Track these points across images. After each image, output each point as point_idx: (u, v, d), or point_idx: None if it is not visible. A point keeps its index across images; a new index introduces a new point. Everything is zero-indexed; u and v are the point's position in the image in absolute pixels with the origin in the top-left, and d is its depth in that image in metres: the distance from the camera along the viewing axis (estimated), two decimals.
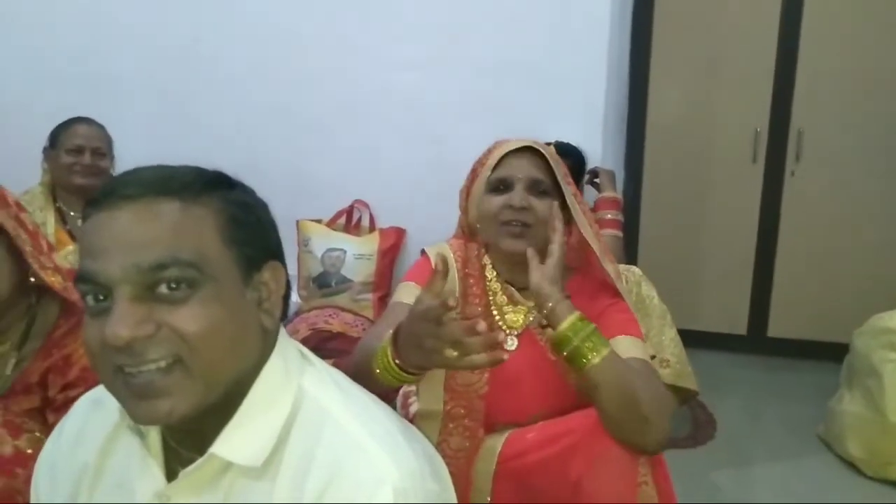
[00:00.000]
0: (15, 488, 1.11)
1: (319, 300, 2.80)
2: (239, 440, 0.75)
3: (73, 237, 2.28)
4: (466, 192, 1.41)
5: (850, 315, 2.68)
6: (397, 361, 1.04)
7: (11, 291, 1.19)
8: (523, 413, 1.31)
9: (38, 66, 3.12)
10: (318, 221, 2.89)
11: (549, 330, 1.22)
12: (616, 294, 1.35)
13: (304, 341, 2.09)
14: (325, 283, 2.81)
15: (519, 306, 1.37)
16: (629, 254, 2.88)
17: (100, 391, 0.86)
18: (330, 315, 2.68)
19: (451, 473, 0.86)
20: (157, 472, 0.78)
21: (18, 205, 1.24)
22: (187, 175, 0.76)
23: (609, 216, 2.40)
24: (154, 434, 0.80)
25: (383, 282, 2.82)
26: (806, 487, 2.27)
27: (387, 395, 1.03)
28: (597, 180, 2.52)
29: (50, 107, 2.52)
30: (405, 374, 1.06)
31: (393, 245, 2.84)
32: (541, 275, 1.23)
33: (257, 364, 0.78)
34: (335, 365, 0.88)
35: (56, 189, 2.33)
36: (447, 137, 2.72)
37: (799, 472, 2.37)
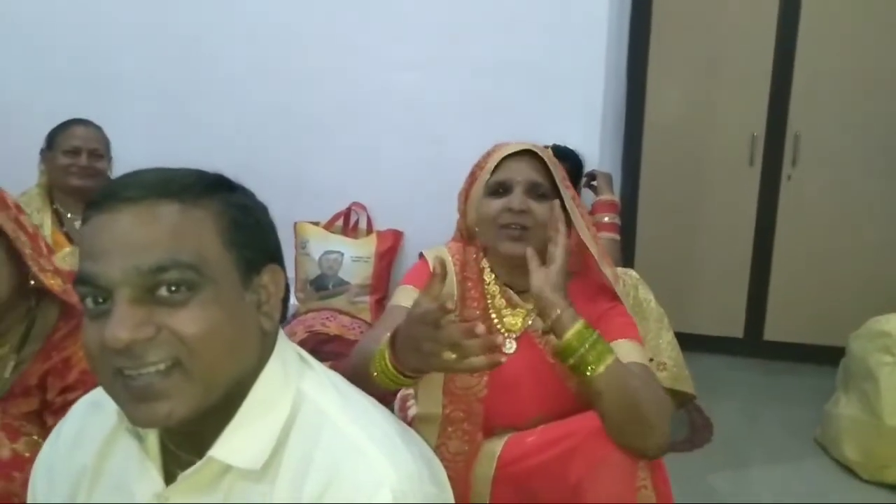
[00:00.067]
0: (12, 492, 1.11)
1: (317, 302, 2.79)
2: (238, 443, 0.75)
3: (70, 239, 2.27)
4: (465, 195, 1.41)
5: (846, 318, 2.69)
6: (395, 364, 1.04)
7: (11, 294, 1.19)
8: (522, 416, 1.31)
9: (37, 66, 3.12)
10: (316, 224, 2.89)
11: (552, 337, 1.21)
12: (615, 297, 1.35)
13: (302, 344, 2.08)
14: (322, 285, 2.80)
15: (517, 309, 1.37)
16: (626, 257, 2.89)
17: (98, 394, 0.86)
18: (327, 317, 2.68)
19: (450, 477, 0.86)
20: (155, 474, 0.78)
21: (18, 207, 1.24)
22: (188, 177, 0.76)
23: (606, 219, 2.40)
24: (152, 437, 0.80)
25: (381, 284, 2.82)
26: (802, 490, 2.27)
27: (384, 398, 1.03)
28: (594, 183, 2.53)
29: (49, 107, 2.52)
30: (402, 378, 1.06)
31: (390, 248, 2.84)
32: (543, 281, 1.22)
33: (256, 367, 0.78)
34: (332, 367, 0.88)
35: (53, 191, 2.33)
36: (445, 139, 2.73)
37: (795, 475, 2.37)
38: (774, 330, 3.34)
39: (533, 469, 1.23)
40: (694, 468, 2.37)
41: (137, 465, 0.79)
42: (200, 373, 0.71)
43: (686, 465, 2.33)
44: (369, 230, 2.91)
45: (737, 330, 3.38)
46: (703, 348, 3.18)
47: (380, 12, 2.80)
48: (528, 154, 1.35)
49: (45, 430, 1.15)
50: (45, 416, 1.20)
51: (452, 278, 1.36)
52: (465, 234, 1.43)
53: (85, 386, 1.13)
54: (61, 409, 1.08)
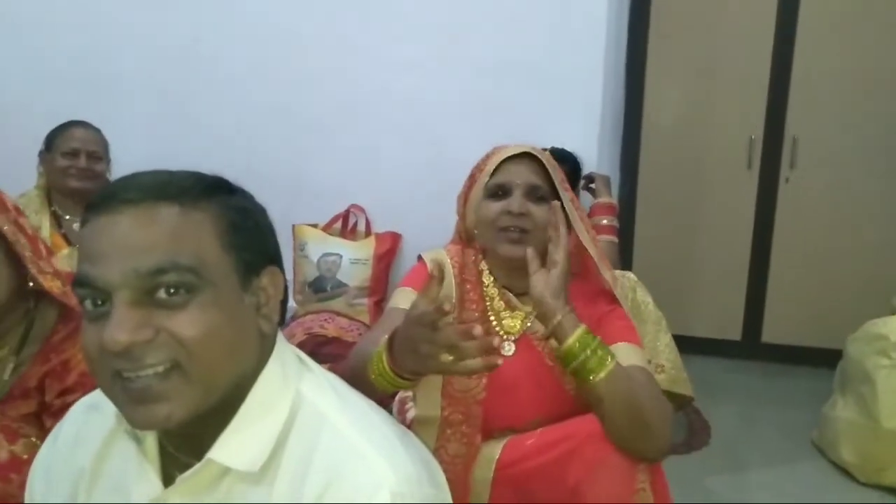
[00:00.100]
0: (9, 493, 1.11)
1: (315, 305, 2.79)
2: (236, 445, 0.75)
3: (68, 240, 2.27)
4: (464, 197, 1.41)
5: (843, 321, 2.70)
6: (392, 367, 1.04)
7: (10, 296, 1.19)
8: (521, 418, 1.31)
9: (37, 66, 3.12)
10: (315, 226, 2.89)
11: (552, 341, 1.21)
12: (614, 300, 1.35)
13: (300, 346, 2.08)
14: (320, 287, 2.80)
15: (516, 311, 1.37)
16: (624, 259, 2.89)
17: (96, 396, 0.86)
18: (325, 319, 2.68)
19: (449, 480, 0.86)
20: (153, 477, 0.78)
21: (17, 209, 1.24)
22: (187, 180, 0.76)
23: (604, 222, 2.40)
24: (151, 439, 0.80)
25: (379, 286, 2.82)
26: (800, 493, 2.27)
27: (382, 400, 1.03)
28: (592, 186, 2.53)
29: (48, 108, 2.52)
30: (400, 380, 1.06)
31: (389, 250, 2.84)
32: (543, 286, 1.21)
33: (255, 369, 0.78)
34: (331, 370, 0.88)
35: (51, 192, 2.33)
36: (444, 140, 2.73)
37: (793, 477, 2.37)
38: (772, 332, 3.34)
39: (532, 471, 1.23)
40: (692, 470, 2.37)
41: (136, 467, 0.79)
42: (199, 375, 0.71)
43: (684, 468, 2.33)
44: (368, 232, 2.91)
45: (735, 332, 3.39)
46: (700, 351, 3.18)
47: (378, 14, 2.80)
48: (527, 157, 1.35)
49: (43, 432, 1.15)
50: (44, 418, 1.20)
51: (451, 280, 1.36)
52: (464, 237, 1.44)
53: (84, 388, 1.13)
54: (60, 412, 1.08)
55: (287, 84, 2.92)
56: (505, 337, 1.35)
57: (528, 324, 1.35)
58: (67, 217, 2.31)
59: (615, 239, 2.42)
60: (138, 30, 3.01)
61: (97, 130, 2.35)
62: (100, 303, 0.71)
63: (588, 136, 2.67)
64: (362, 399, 0.84)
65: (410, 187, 2.81)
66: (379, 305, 2.78)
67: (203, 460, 0.75)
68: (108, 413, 0.81)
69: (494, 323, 1.36)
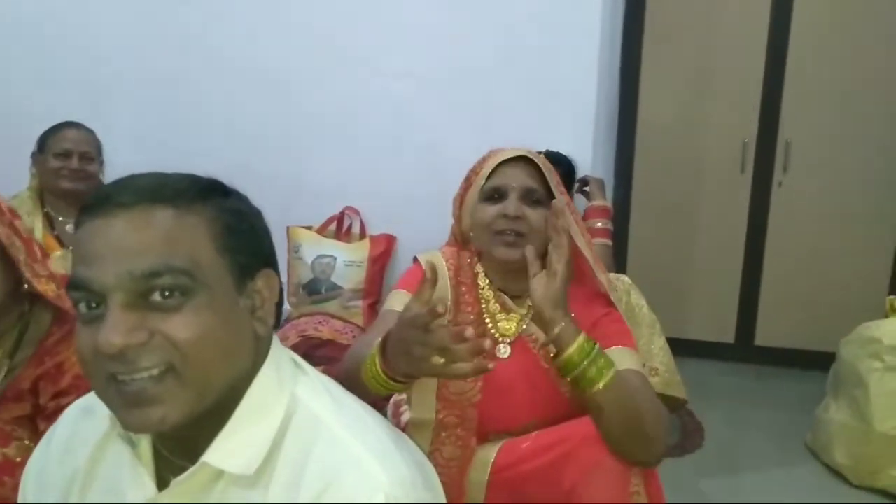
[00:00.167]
0: (3, 496, 1.10)
1: (309, 307, 2.79)
2: (231, 448, 0.75)
3: (61, 242, 2.26)
4: (460, 200, 1.41)
5: (836, 324, 2.71)
6: (385, 369, 1.04)
7: (4, 299, 1.19)
8: (516, 421, 1.31)
9: (31, 68, 3.11)
10: (309, 228, 2.89)
11: (551, 346, 1.21)
12: (609, 303, 1.36)
13: (294, 348, 2.08)
14: (315, 289, 2.80)
15: (512, 314, 1.37)
16: (618, 262, 2.90)
17: (90, 399, 0.86)
18: (320, 322, 2.67)
19: (444, 483, 0.86)
20: (147, 480, 0.78)
21: (12, 211, 1.23)
22: (182, 182, 0.76)
23: (599, 225, 2.41)
24: (145, 442, 0.80)
25: (373, 289, 2.81)
26: (793, 495, 2.28)
27: (377, 403, 1.03)
28: (586, 189, 2.53)
29: (42, 110, 2.51)
30: (393, 383, 1.06)
31: (383, 252, 2.84)
32: (543, 297, 1.20)
33: (250, 372, 0.78)
34: (325, 372, 0.88)
35: (44, 194, 2.32)
36: (439, 145, 2.73)
37: (786, 480, 2.38)
38: (765, 335, 3.36)
39: (527, 475, 1.23)
40: (686, 473, 2.37)
41: (130, 470, 0.79)
42: (194, 378, 0.71)
43: (678, 470, 2.34)
44: (362, 234, 2.90)
45: (728, 335, 3.40)
46: (694, 353, 3.19)
47: (373, 19, 2.80)
48: (523, 160, 1.35)
49: (36, 435, 1.15)
50: (38, 420, 1.20)
51: (446, 283, 1.36)
52: (460, 239, 1.44)
53: (78, 391, 1.12)
54: (54, 414, 1.07)
55: (281, 89, 2.92)
56: (500, 339, 1.35)
57: (524, 326, 1.35)
58: (60, 218, 2.30)
59: (609, 242, 2.42)
60: (133, 34, 3.00)
61: (90, 131, 2.34)
62: (94, 305, 0.71)
63: (582, 140, 2.67)
64: (357, 402, 0.84)
65: (405, 189, 2.81)
66: (373, 308, 2.77)
67: (197, 464, 0.74)
68: (101, 416, 0.80)
69: (490, 325, 1.36)
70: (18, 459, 1.12)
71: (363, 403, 0.84)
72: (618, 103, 3.22)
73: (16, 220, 1.22)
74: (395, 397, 1.58)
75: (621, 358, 1.23)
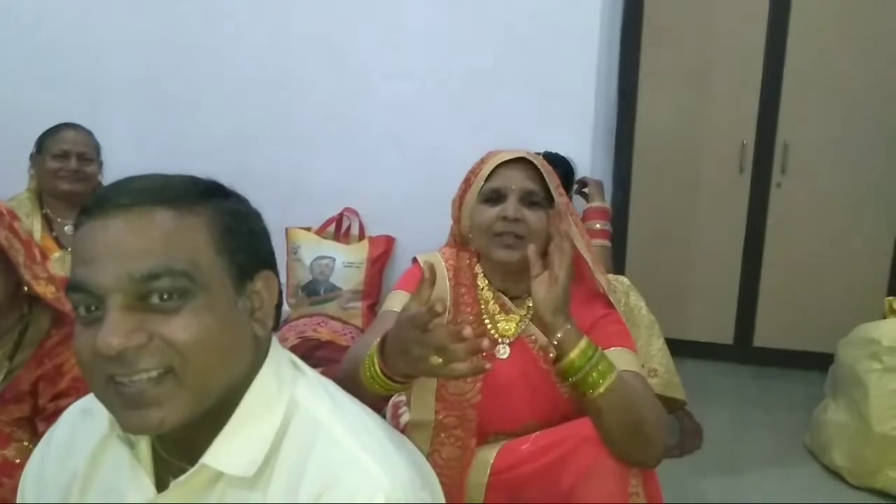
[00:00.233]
0: (2, 497, 1.10)
1: (308, 308, 2.79)
2: (231, 450, 0.75)
3: (59, 244, 2.26)
4: (459, 201, 1.41)
5: (835, 325, 2.71)
6: (384, 369, 1.04)
7: (4, 301, 1.19)
8: (516, 422, 1.31)
9: (29, 69, 3.10)
10: (308, 229, 2.89)
11: (552, 347, 1.20)
12: (609, 304, 1.36)
13: (293, 349, 2.07)
14: (313, 291, 2.80)
15: (511, 315, 1.37)
16: (617, 263, 2.90)
17: (89, 400, 0.86)
18: (319, 323, 2.67)
19: (443, 484, 0.86)
20: (147, 482, 0.78)
21: (11, 213, 1.23)
22: (181, 184, 0.76)
23: (598, 226, 2.41)
24: (144, 444, 0.80)
25: (372, 290, 2.81)
26: (792, 496, 2.29)
27: (376, 404, 1.03)
28: (585, 190, 2.53)
29: (40, 111, 2.50)
30: (391, 383, 1.06)
31: (382, 253, 2.83)
32: (544, 304, 1.19)
33: (249, 374, 0.78)
34: (323, 373, 0.88)
35: (43, 195, 2.31)
36: (438, 146, 2.73)
37: (785, 480, 2.38)
38: (764, 336, 3.36)
39: (526, 476, 1.23)
40: (684, 474, 2.38)
41: (129, 472, 0.79)
42: (193, 380, 0.71)
43: (677, 471, 2.34)
44: (361, 236, 2.90)
45: (727, 336, 3.40)
46: (693, 354, 3.19)
47: (373, 20, 2.80)
48: (522, 161, 1.35)
49: (36, 437, 1.15)
50: (37, 421, 1.20)
51: (445, 284, 1.36)
52: (459, 240, 1.44)
53: (77, 392, 1.12)
54: (53, 416, 1.07)
55: (280, 90, 2.92)
56: (500, 340, 1.35)
57: (523, 327, 1.35)
58: (59, 220, 2.30)
59: (608, 243, 2.42)
60: (131, 35, 3.00)
61: (88, 133, 2.34)
62: (93, 307, 0.71)
63: (581, 141, 2.67)
64: (356, 404, 0.84)
65: (404, 191, 2.81)
66: (372, 309, 2.77)
67: (197, 465, 0.74)
68: (100, 418, 0.80)
69: (489, 326, 1.36)
70: (18, 461, 1.12)
71: (362, 405, 0.84)
72: (616, 105, 3.22)
73: (15, 221, 1.22)
74: (394, 399, 1.58)
75: (620, 359, 1.23)
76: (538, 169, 1.35)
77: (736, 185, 3.27)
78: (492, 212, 1.32)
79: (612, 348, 1.25)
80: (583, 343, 1.17)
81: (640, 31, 3.21)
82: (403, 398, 1.53)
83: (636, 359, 1.29)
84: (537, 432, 1.26)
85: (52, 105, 2.64)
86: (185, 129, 2.99)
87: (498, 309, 1.37)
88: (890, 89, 3.07)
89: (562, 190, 1.37)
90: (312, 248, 2.83)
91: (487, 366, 0.93)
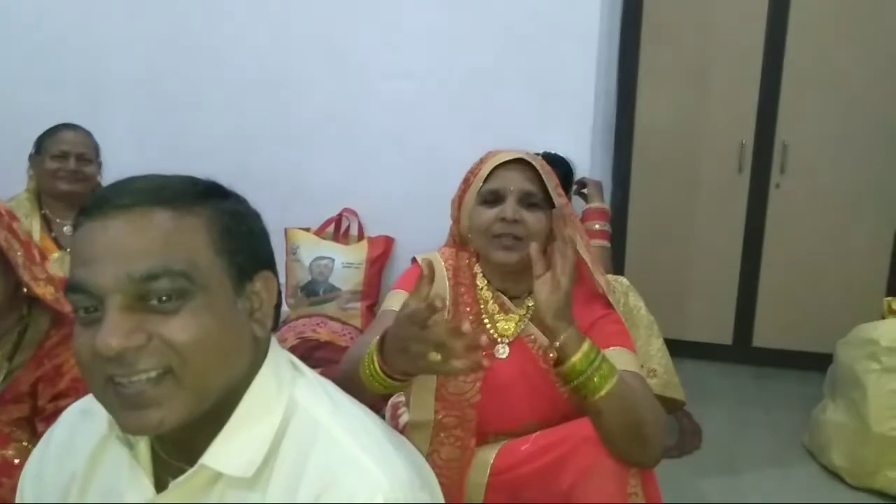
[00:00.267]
0: (1, 497, 1.10)
1: (307, 309, 2.78)
2: (230, 450, 0.75)
3: (58, 244, 2.26)
4: (458, 201, 1.41)
5: (833, 325, 2.71)
6: (383, 367, 1.05)
7: (3, 302, 1.19)
8: (515, 421, 1.31)
9: (29, 69, 3.10)
10: (307, 230, 2.89)
11: (553, 351, 1.19)
12: (608, 305, 1.36)
13: (292, 350, 2.08)
14: (312, 291, 2.80)
15: (510, 314, 1.37)
16: (616, 264, 2.90)
17: (88, 401, 0.86)
18: (318, 324, 2.67)
19: (442, 484, 0.86)
20: (146, 482, 0.78)
21: (11, 214, 1.23)
22: (181, 185, 0.76)
23: (597, 227, 2.41)
24: (143, 445, 0.80)
25: (371, 290, 2.81)
26: (791, 496, 2.29)
27: (374, 405, 1.03)
28: (584, 191, 2.53)
29: (40, 111, 2.50)
30: (391, 381, 1.06)
31: (381, 254, 2.83)
32: (546, 308, 1.18)
33: (248, 374, 0.78)
34: (322, 374, 0.88)
35: (42, 196, 2.31)
36: (437, 146, 2.73)
37: (784, 481, 2.39)
38: (763, 336, 3.36)
39: (526, 477, 1.23)
40: (683, 474, 2.38)
41: (128, 472, 0.79)
42: (192, 380, 0.71)
43: (676, 471, 2.34)
44: (360, 236, 2.90)
45: (726, 336, 3.40)
46: (692, 355, 3.19)
47: (373, 20, 2.80)
48: (521, 162, 1.35)
49: (35, 437, 1.15)
50: (36, 422, 1.20)
51: (445, 283, 1.36)
52: (458, 240, 1.44)
53: (76, 393, 1.12)
54: (52, 416, 1.07)
55: (279, 90, 2.92)
56: (499, 340, 1.35)
57: (523, 326, 1.35)
58: (58, 221, 2.30)
59: (607, 244, 2.42)
60: (131, 36, 3.00)
61: (87, 133, 2.34)
62: (92, 309, 0.71)
63: (580, 142, 2.67)
64: (355, 404, 0.84)
65: (404, 191, 2.81)
66: (371, 310, 2.77)
67: (196, 466, 0.74)
68: (100, 419, 0.80)
69: (489, 326, 1.36)
70: (17, 461, 1.12)
71: (362, 406, 0.84)
72: (615, 105, 3.22)
73: (14, 222, 1.22)
74: (393, 399, 1.58)
75: (619, 359, 1.23)
76: (537, 170, 1.35)
77: (735, 184, 3.27)
78: (490, 213, 1.32)
79: (612, 348, 1.25)
80: (585, 346, 1.16)
81: (640, 30, 3.21)
82: (402, 399, 1.53)
83: (635, 359, 1.29)
84: (537, 432, 1.26)
85: (51, 105, 2.64)
86: (185, 129, 2.98)
87: (497, 308, 1.37)
88: (889, 88, 3.07)
89: (561, 190, 1.37)
90: (311, 249, 2.83)
91: (486, 363, 0.93)
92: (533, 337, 1.34)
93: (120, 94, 3.04)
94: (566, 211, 1.24)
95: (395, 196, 2.83)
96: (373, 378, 1.07)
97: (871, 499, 2.28)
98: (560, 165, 2.49)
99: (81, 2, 3.03)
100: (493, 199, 1.33)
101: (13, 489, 0.92)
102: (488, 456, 1.28)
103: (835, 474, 2.38)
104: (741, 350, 3.37)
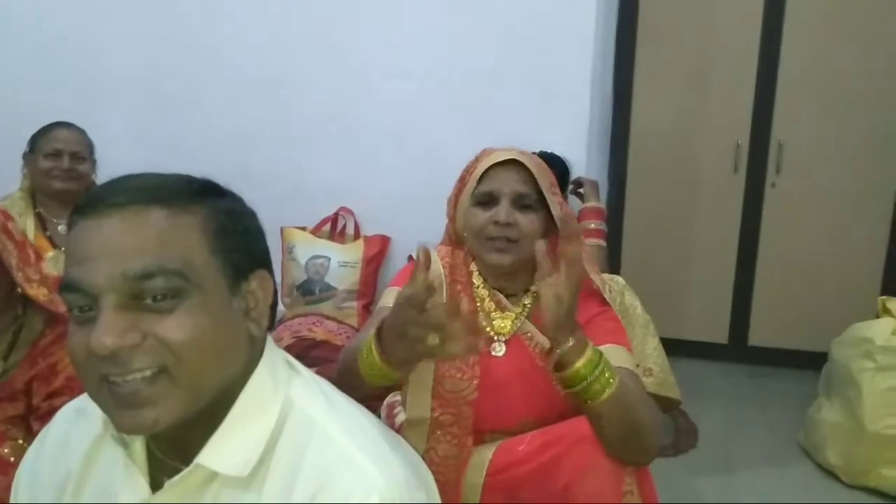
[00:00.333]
0: None
1: (303, 308, 2.78)
2: (225, 450, 0.74)
3: (53, 243, 2.25)
4: (454, 200, 1.41)
5: (829, 324, 2.72)
6: (381, 355, 1.05)
7: None
8: (512, 419, 1.31)
9: (25, 68, 3.09)
10: (303, 229, 2.88)
11: (555, 355, 1.18)
12: (604, 302, 1.36)
13: (288, 349, 2.07)
14: (308, 290, 2.79)
15: (507, 312, 1.37)
16: (612, 263, 2.90)
17: (83, 400, 0.85)
18: (314, 323, 2.67)
19: (439, 482, 0.86)
20: (141, 482, 0.78)
21: (5, 214, 1.23)
22: (176, 183, 0.76)
23: (593, 226, 2.41)
24: (138, 444, 0.79)
25: (368, 290, 2.81)
26: (786, 495, 2.29)
27: (370, 404, 1.03)
28: (581, 190, 2.54)
29: (36, 110, 2.49)
30: (389, 370, 1.06)
31: (378, 253, 2.83)
32: (550, 318, 1.15)
33: (244, 373, 0.78)
34: (318, 373, 0.88)
35: (36, 194, 2.30)
36: (437, 146, 2.73)
37: (779, 479, 2.39)
38: (759, 335, 3.37)
39: (523, 477, 1.23)
40: (679, 473, 2.38)
41: (123, 472, 0.79)
42: (187, 379, 0.71)
43: (671, 470, 2.34)
44: (357, 235, 2.90)
45: (722, 335, 3.41)
46: (688, 354, 3.20)
47: (373, 20, 2.80)
48: (515, 163, 1.34)
49: (30, 435, 1.15)
50: (31, 420, 1.20)
51: (442, 281, 1.36)
52: (454, 238, 1.44)
53: (71, 392, 1.12)
54: (47, 415, 1.07)
55: (277, 86, 2.91)
56: (496, 338, 1.35)
57: (519, 324, 1.36)
58: (54, 220, 2.29)
59: (604, 243, 2.43)
60: (129, 34, 2.99)
61: (81, 131, 2.33)
62: (87, 307, 0.70)
63: (576, 141, 2.68)
64: (351, 403, 0.84)
65: (403, 190, 2.80)
66: (367, 309, 2.77)
67: (191, 465, 0.74)
68: (94, 418, 0.80)
69: (485, 324, 1.36)
70: (12, 459, 1.12)
71: (358, 405, 0.84)
72: (612, 105, 3.22)
73: (9, 222, 1.22)
74: (389, 399, 1.58)
75: (615, 356, 1.23)
76: (531, 170, 1.34)
77: (731, 184, 3.28)
78: (484, 216, 1.32)
79: (607, 345, 1.25)
80: (589, 353, 1.15)
81: (636, 30, 3.22)
82: (398, 398, 1.53)
83: (630, 357, 1.30)
84: (533, 431, 1.26)
85: (51, 105, 2.62)
86: (184, 129, 2.98)
87: (494, 306, 1.37)
88: (884, 88, 3.08)
89: (556, 189, 1.36)
90: (307, 248, 2.82)
91: (482, 344, 0.93)
92: (529, 335, 1.34)
93: (120, 93, 3.03)
94: (572, 227, 1.20)
95: (393, 195, 2.83)
96: (371, 368, 1.07)
97: (865, 497, 2.29)
98: (556, 165, 2.49)
99: (81, 2, 3.03)
100: (486, 200, 1.33)
101: (8, 487, 0.91)
102: (485, 456, 1.28)
103: (830, 473, 2.39)
104: (737, 349, 3.38)
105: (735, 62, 3.19)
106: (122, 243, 0.70)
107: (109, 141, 2.45)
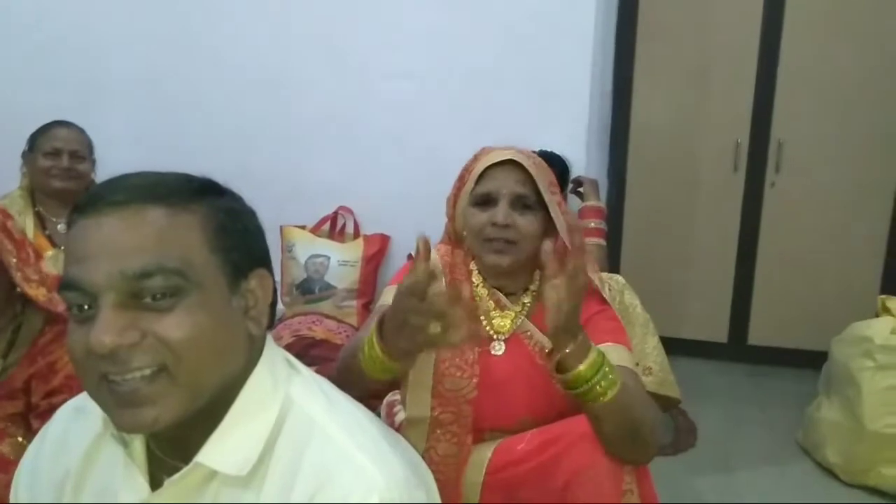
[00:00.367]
0: None
1: (303, 307, 2.78)
2: (225, 449, 0.74)
3: (52, 242, 2.25)
4: (453, 199, 1.40)
5: (828, 323, 2.72)
6: (382, 347, 1.05)
7: None
8: (512, 418, 1.31)
9: (26, 68, 3.09)
10: (303, 227, 2.88)
11: (551, 348, 1.18)
12: (603, 301, 1.36)
13: (287, 348, 2.07)
14: (308, 289, 2.79)
15: (506, 311, 1.37)
16: (612, 262, 2.90)
17: (82, 399, 0.85)
18: (313, 322, 2.67)
19: (439, 481, 0.86)
20: (141, 481, 0.78)
21: (5, 213, 1.23)
22: (175, 182, 0.76)
23: (592, 225, 2.42)
24: (138, 443, 0.79)
25: (367, 289, 2.81)
26: (785, 493, 2.30)
27: (370, 403, 1.03)
28: (580, 189, 2.54)
29: (35, 108, 2.49)
30: (389, 361, 1.06)
31: (377, 252, 2.83)
32: (552, 323, 1.14)
33: (244, 372, 0.78)
34: (318, 372, 0.88)
35: (35, 193, 2.30)
36: (437, 146, 2.73)
37: (778, 478, 2.39)
38: (758, 334, 3.37)
39: (522, 476, 1.23)
40: (679, 472, 2.38)
41: (123, 470, 0.79)
42: (186, 378, 0.71)
43: (671, 469, 2.34)
44: (356, 234, 2.90)
45: (721, 334, 3.41)
46: (687, 353, 3.20)
47: (373, 20, 2.80)
48: (513, 163, 1.33)
49: (30, 433, 1.15)
50: (31, 418, 1.20)
51: (441, 279, 1.36)
52: (454, 238, 1.43)
53: (70, 390, 1.13)
54: (46, 413, 1.08)
55: (277, 86, 2.92)
56: (495, 336, 1.35)
57: (518, 323, 1.35)
58: (52, 219, 2.29)
59: (603, 242, 2.43)
60: (129, 34, 2.99)
61: (80, 130, 2.33)
62: (86, 306, 0.70)
63: (576, 140, 2.68)
64: (351, 402, 0.84)
65: (399, 189, 2.81)
66: (367, 308, 2.77)
67: (191, 464, 0.74)
68: (94, 417, 0.80)
69: (484, 322, 1.36)
70: (12, 457, 1.12)
71: (357, 403, 0.84)
72: (611, 103, 3.22)
73: (8, 221, 1.22)
74: (389, 398, 1.58)
75: (614, 355, 1.23)
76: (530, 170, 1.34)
77: (730, 183, 3.28)
78: (482, 217, 1.32)
79: (606, 344, 1.25)
80: (592, 355, 1.15)
81: (635, 29, 3.22)
82: (398, 398, 1.53)
83: (629, 355, 1.29)
84: (533, 430, 1.26)
85: (51, 105, 2.63)
86: (184, 129, 2.98)
87: (493, 305, 1.37)
88: (883, 86, 3.08)
89: (555, 189, 1.36)
90: (307, 247, 2.82)
91: (481, 331, 0.93)
92: (529, 333, 1.34)
93: (120, 93, 3.03)
94: (577, 240, 1.20)
95: (390, 194, 2.83)
96: (372, 361, 1.07)
97: (864, 496, 2.29)
98: (556, 164, 2.49)
99: (81, 2, 3.03)
100: (485, 201, 1.33)
101: (8, 485, 0.91)
102: (484, 454, 1.28)
103: (829, 471, 2.39)
104: (736, 348, 3.38)
105: (735, 60, 3.19)
106: (121, 242, 0.70)
107: (109, 141, 2.45)
